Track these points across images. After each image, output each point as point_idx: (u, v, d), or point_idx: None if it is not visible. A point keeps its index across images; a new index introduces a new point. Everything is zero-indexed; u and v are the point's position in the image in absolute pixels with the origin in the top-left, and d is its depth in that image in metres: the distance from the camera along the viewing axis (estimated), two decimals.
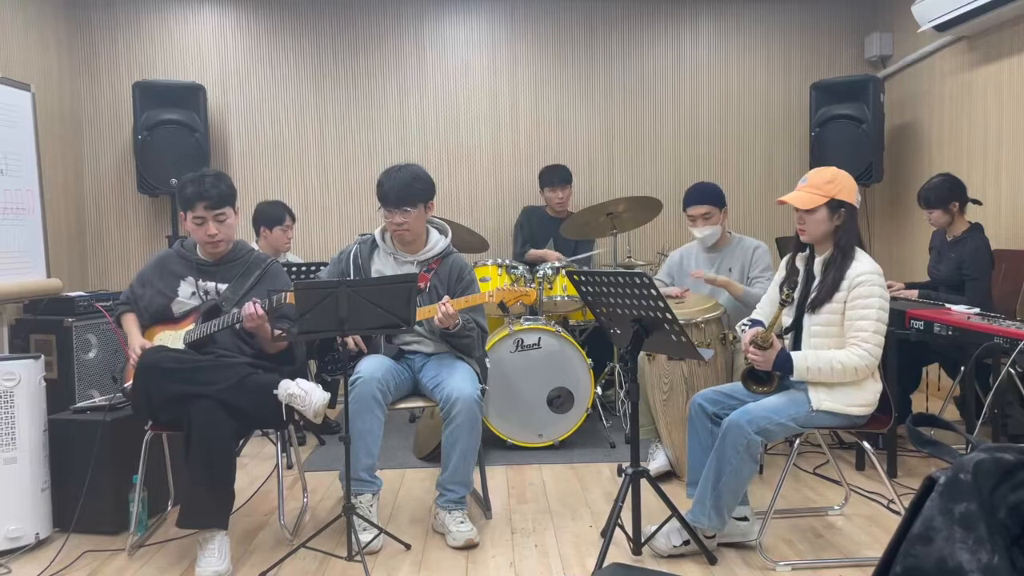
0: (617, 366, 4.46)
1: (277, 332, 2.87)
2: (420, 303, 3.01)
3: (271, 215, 4.43)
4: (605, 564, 2.50)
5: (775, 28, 5.81)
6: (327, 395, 2.73)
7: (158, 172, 5.05)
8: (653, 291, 2.50)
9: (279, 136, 5.67)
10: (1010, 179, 4.35)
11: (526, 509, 3.25)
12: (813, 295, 2.69)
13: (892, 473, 3.46)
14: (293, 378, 2.78)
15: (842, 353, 2.57)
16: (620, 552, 2.75)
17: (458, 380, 2.95)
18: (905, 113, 5.47)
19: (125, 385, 2.89)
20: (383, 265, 3.19)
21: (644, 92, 5.80)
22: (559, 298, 4.31)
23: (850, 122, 5.15)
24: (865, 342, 2.55)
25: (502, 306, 3.24)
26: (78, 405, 3.19)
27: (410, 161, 3.30)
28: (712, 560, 2.67)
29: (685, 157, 5.83)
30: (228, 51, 5.61)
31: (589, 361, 4.07)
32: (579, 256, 4.67)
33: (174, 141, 5.07)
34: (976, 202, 3.98)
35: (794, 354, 2.60)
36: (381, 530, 2.86)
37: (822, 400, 2.60)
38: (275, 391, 2.71)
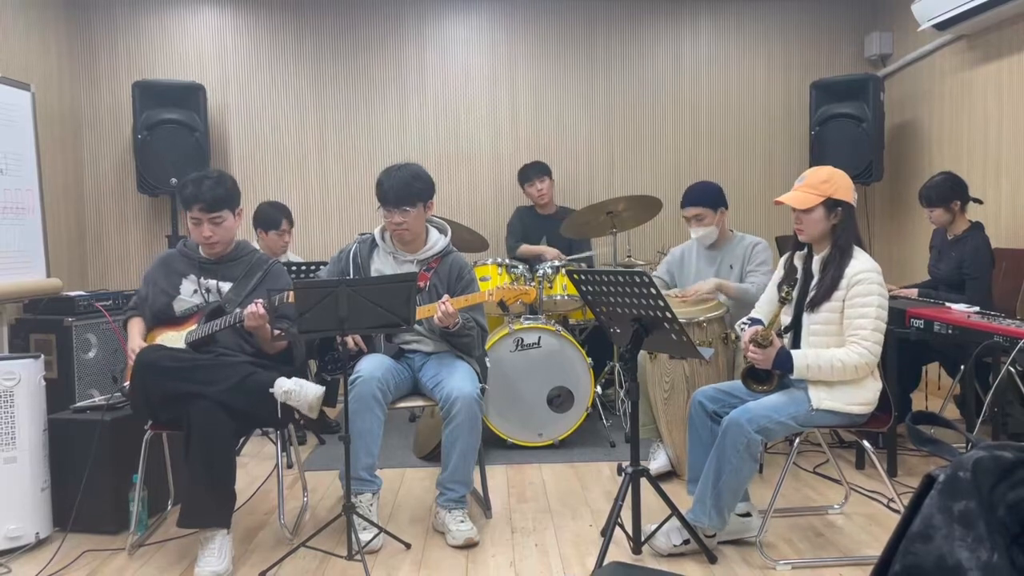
0: (617, 365, 4.45)
1: (276, 332, 2.86)
2: (420, 302, 3.01)
3: (268, 218, 4.36)
4: (605, 563, 2.51)
5: (775, 27, 5.81)
6: (321, 388, 2.71)
7: (158, 172, 5.05)
8: (653, 290, 2.50)
9: (279, 138, 5.66)
10: (1010, 178, 4.35)
11: (526, 508, 3.25)
12: (812, 294, 2.69)
13: (892, 472, 3.45)
14: (290, 377, 2.77)
15: (842, 351, 2.57)
16: (620, 551, 2.75)
17: (458, 379, 2.95)
18: (905, 112, 5.47)
19: (124, 385, 2.89)
20: (383, 264, 3.18)
21: (644, 91, 5.79)
22: (559, 297, 4.31)
23: (850, 121, 5.14)
24: (864, 340, 2.55)
25: (502, 305, 3.24)
26: (78, 405, 3.19)
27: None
28: (712, 559, 2.67)
29: (685, 156, 5.83)
30: (228, 54, 5.61)
31: (589, 360, 4.07)
32: (579, 256, 4.67)
33: (174, 141, 5.06)
34: (977, 201, 3.97)
35: (794, 352, 2.60)
36: (381, 529, 2.86)
37: (822, 399, 2.60)
38: (271, 390, 2.71)
